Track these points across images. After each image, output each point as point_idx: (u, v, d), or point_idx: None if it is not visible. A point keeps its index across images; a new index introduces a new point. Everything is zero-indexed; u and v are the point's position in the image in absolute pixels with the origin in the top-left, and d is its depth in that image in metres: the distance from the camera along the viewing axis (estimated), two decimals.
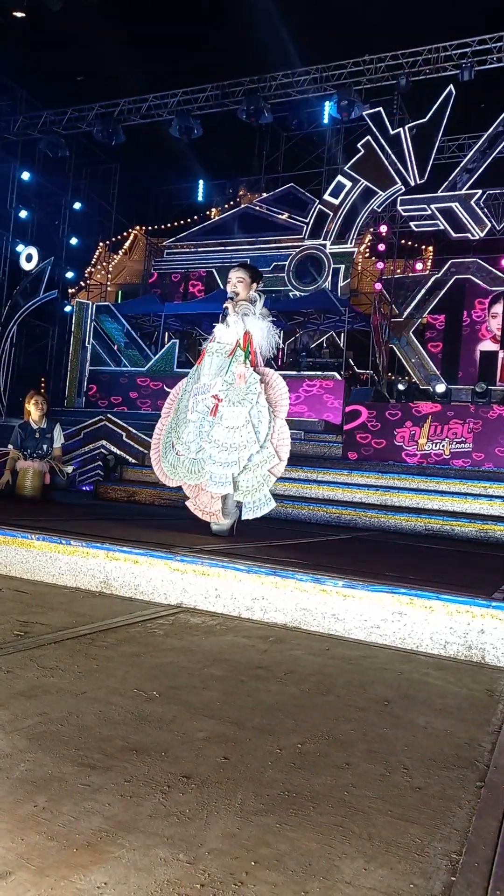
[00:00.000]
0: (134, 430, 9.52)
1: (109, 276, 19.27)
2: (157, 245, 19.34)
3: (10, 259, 15.05)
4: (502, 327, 15.77)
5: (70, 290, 17.59)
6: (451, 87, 14.00)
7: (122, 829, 1.17)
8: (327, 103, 15.37)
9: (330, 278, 16.09)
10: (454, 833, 1.24)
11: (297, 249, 16.62)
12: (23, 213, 15.62)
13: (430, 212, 15.07)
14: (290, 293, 16.40)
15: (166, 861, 1.09)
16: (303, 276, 16.44)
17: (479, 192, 14.69)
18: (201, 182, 19.49)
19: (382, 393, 13.88)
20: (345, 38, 13.12)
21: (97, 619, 2.58)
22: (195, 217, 18.90)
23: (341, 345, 15.21)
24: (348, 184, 15.95)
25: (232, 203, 18.99)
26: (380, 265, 16.46)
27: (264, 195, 18.24)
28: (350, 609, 2.61)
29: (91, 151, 15.97)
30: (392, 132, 15.20)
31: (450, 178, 15.12)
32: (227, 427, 4.06)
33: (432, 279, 16.65)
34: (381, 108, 15.06)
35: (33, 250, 14.71)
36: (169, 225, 19.12)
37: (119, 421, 9.77)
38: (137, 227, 19.50)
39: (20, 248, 15.04)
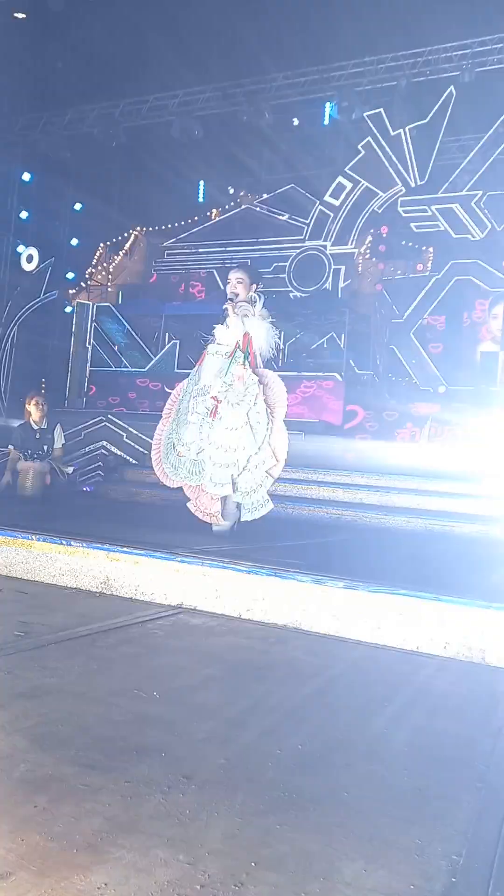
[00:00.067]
0: (134, 431, 9.51)
1: (110, 276, 19.27)
2: (157, 246, 19.35)
3: (10, 260, 15.03)
4: (503, 328, 15.77)
5: (70, 291, 17.57)
6: (452, 88, 13.99)
7: (123, 830, 1.17)
8: (328, 104, 15.36)
9: (330, 279, 16.10)
10: (454, 834, 1.24)
11: (298, 250, 16.62)
12: (23, 214, 15.61)
13: (430, 213, 15.07)
14: (291, 294, 16.40)
15: (166, 862, 1.09)
16: (303, 276, 16.44)
17: (480, 193, 14.69)
18: (202, 183, 19.50)
19: (382, 394, 13.88)
20: (345, 40, 13.11)
21: (97, 619, 2.58)
22: (195, 218, 18.89)
23: (341, 346, 15.20)
24: (349, 185, 15.95)
25: (232, 204, 18.99)
26: (380, 266, 16.46)
27: (265, 196, 18.24)
28: (350, 610, 2.61)
29: (92, 152, 15.96)
30: (393, 133, 15.20)
31: (451, 180, 15.11)
32: (227, 428, 4.06)
33: (433, 280, 16.64)
34: (381, 110, 15.06)
35: (34, 251, 14.70)
36: (169, 226, 19.12)
37: (119, 421, 9.76)
38: (138, 228, 19.50)
39: (21, 248, 15.04)
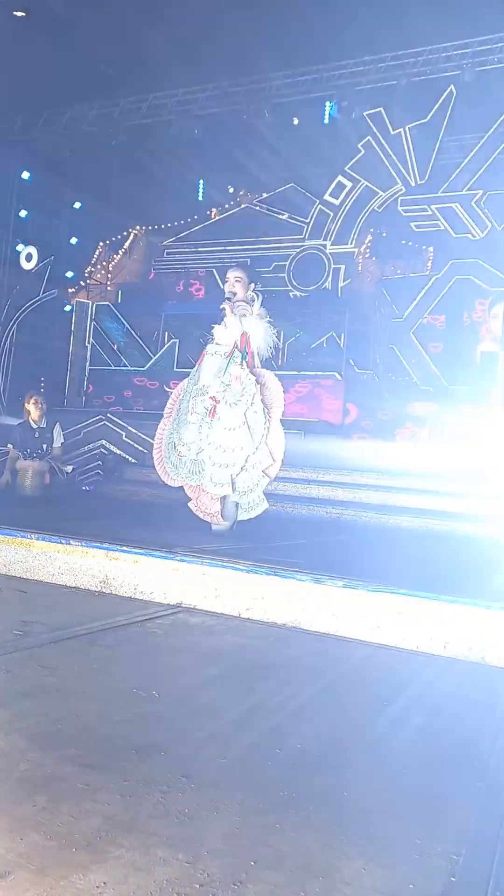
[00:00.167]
0: (133, 430, 9.50)
1: (109, 275, 19.26)
2: (157, 245, 19.33)
3: (9, 258, 15.02)
4: (503, 328, 15.77)
5: (70, 290, 17.54)
6: (453, 87, 13.98)
7: (122, 829, 1.17)
8: (328, 104, 15.34)
9: (330, 278, 16.09)
10: (454, 833, 1.24)
11: (298, 249, 16.62)
12: (22, 213, 15.59)
13: (430, 212, 15.06)
14: (290, 293, 16.40)
15: (166, 861, 1.09)
16: (303, 276, 16.43)
17: (481, 192, 14.68)
18: (201, 182, 19.47)
19: (382, 393, 13.88)
20: (345, 39, 13.08)
21: (97, 618, 2.58)
22: (195, 217, 18.88)
23: (341, 345, 15.19)
24: (349, 184, 15.94)
25: (232, 203, 18.98)
26: (380, 265, 16.44)
27: (264, 195, 18.22)
28: (350, 609, 2.61)
29: (91, 151, 15.93)
30: (393, 132, 15.19)
31: (451, 179, 15.10)
32: (225, 428, 4.08)
33: (433, 280, 16.63)
34: (381, 109, 15.04)
35: (33, 250, 14.69)
36: (169, 224, 19.11)
37: (119, 420, 9.76)
38: (137, 227, 19.47)
39: (20, 247, 15.03)
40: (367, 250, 17.50)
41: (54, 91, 14.67)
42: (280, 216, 17.51)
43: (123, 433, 9.47)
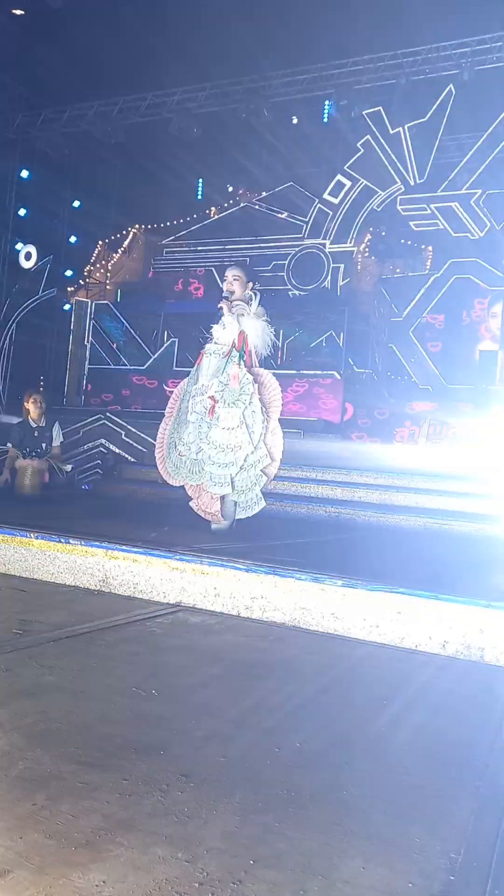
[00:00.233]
0: (133, 429, 9.50)
1: (108, 274, 19.25)
2: (156, 244, 19.31)
3: (8, 257, 15.01)
4: (502, 327, 15.77)
5: (69, 289, 17.53)
6: (451, 86, 13.98)
7: (121, 828, 1.17)
8: (327, 102, 15.33)
9: (329, 277, 16.09)
10: (453, 832, 1.24)
11: (297, 248, 16.61)
12: (21, 212, 15.57)
13: (429, 211, 15.06)
14: (290, 292, 16.39)
15: (165, 859, 1.09)
16: (302, 275, 16.43)
17: (480, 191, 14.68)
18: (200, 181, 19.45)
19: (382, 392, 13.88)
20: (345, 37, 13.08)
21: (96, 617, 2.58)
22: (194, 216, 18.87)
23: (340, 344, 15.19)
24: (348, 183, 15.94)
25: (231, 202, 18.97)
26: (379, 264, 16.44)
27: (263, 194, 18.21)
28: (349, 608, 2.61)
29: (90, 150, 15.92)
30: (392, 131, 15.19)
31: (450, 178, 15.10)
32: (224, 428, 4.10)
33: (432, 279, 16.62)
34: (380, 108, 15.04)
35: (32, 248, 14.69)
36: (168, 223, 19.10)
37: (118, 419, 9.76)
38: (136, 226, 19.47)
39: (19, 246, 15.02)
40: (366, 249, 17.50)
41: (53, 90, 14.66)
42: (279, 215, 17.52)
43: (123, 432, 9.48)
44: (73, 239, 17.44)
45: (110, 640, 2.26)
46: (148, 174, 16.71)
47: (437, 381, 14.71)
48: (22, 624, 2.39)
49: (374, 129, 15.05)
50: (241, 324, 4.21)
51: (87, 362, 14.50)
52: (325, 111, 16.34)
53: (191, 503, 4.41)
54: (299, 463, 8.38)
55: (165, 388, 12.50)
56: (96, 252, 19.04)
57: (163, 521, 5.16)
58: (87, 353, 14.54)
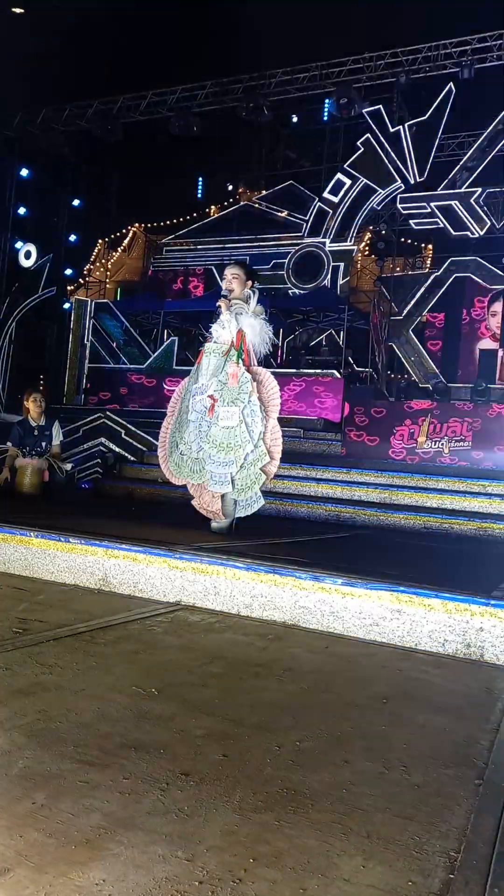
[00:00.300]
0: (133, 428, 9.51)
1: (108, 273, 19.23)
2: (155, 242, 19.29)
3: (8, 256, 14.99)
4: (502, 326, 15.76)
5: (69, 287, 17.52)
6: (451, 84, 13.96)
7: (121, 827, 1.17)
8: (327, 101, 15.32)
9: (329, 276, 16.06)
10: (452, 830, 1.25)
11: (297, 247, 16.58)
12: (21, 210, 15.55)
13: (429, 210, 15.03)
14: (290, 291, 16.37)
15: (165, 858, 1.09)
16: (302, 273, 16.40)
17: (479, 190, 14.65)
18: (200, 179, 19.43)
19: (381, 391, 13.87)
20: (344, 36, 13.07)
21: (96, 616, 2.58)
22: (194, 214, 18.85)
23: (340, 343, 15.18)
24: (348, 181, 15.91)
25: (231, 200, 18.94)
26: (379, 263, 16.44)
27: (263, 192, 18.20)
28: (349, 607, 2.61)
29: (90, 148, 15.90)
30: (392, 130, 15.16)
31: (450, 176, 15.07)
32: (223, 427, 4.11)
33: (432, 277, 16.61)
34: (380, 106, 15.01)
35: (32, 247, 14.68)
36: (168, 222, 19.07)
37: (118, 418, 9.76)
38: (136, 224, 19.44)
39: (19, 244, 15.00)
40: (366, 248, 17.49)
41: (53, 88, 14.64)
42: (279, 214, 17.51)
43: (123, 431, 9.48)
44: (72, 237, 17.42)
45: (110, 639, 2.26)
46: (148, 172, 16.70)
47: (436, 380, 14.68)
48: (22, 622, 2.39)
49: (374, 128, 15.04)
50: (240, 322, 4.22)
51: (86, 361, 14.49)
52: (325, 109, 16.33)
53: (193, 502, 4.43)
54: (298, 461, 8.39)
55: (165, 386, 12.51)
56: (96, 251, 19.03)
57: (162, 519, 5.16)
58: (87, 351, 14.53)
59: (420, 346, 16.48)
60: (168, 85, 14.31)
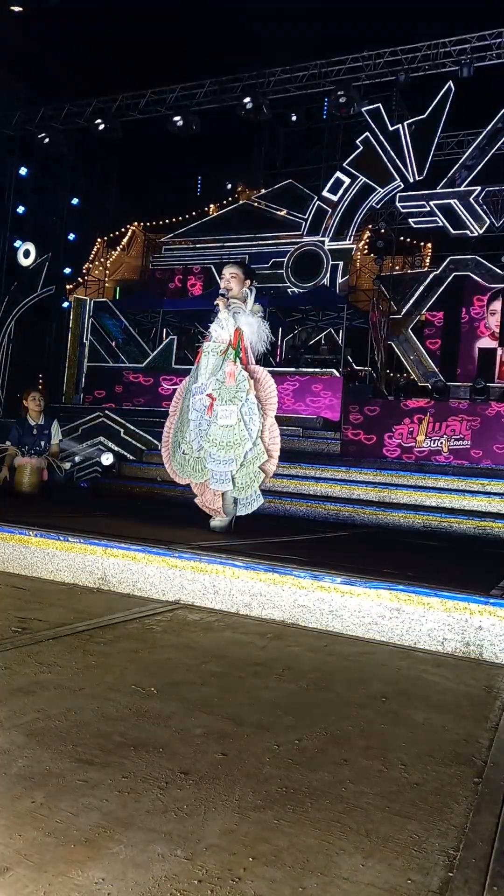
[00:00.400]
0: (132, 427, 9.51)
1: (107, 271, 19.20)
2: (154, 241, 19.27)
3: (7, 255, 14.98)
4: (501, 324, 15.76)
5: (68, 286, 17.51)
6: (451, 83, 13.96)
7: (120, 825, 1.17)
8: (326, 99, 15.31)
9: (328, 275, 16.06)
10: (452, 829, 1.25)
11: (296, 246, 16.57)
12: (20, 209, 15.54)
13: (428, 208, 15.03)
14: (289, 290, 16.37)
15: (164, 857, 1.09)
16: (301, 272, 16.40)
17: (478, 188, 14.65)
18: (200, 178, 19.42)
19: (381, 390, 13.87)
20: (343, 34, 13.06)
21: (95, 615, 2.58)
22: (193, 213, 18.83)
23: (340, 341, 15.17)
24: (347, 180, 15.90)
25: (230, 199, 18.92)
26: (378, 262, 16.43)
27: (263, 191, 18.18)
28: (348, 605, 2.61)
29: (89, 147, 15.89)
30: (391, 128, 15.15)
31: (449, 175, 15.07)
32: (223, 425, 4.13)
33: (431, 276, 16.60)
34: (380, 105, 15.01)
35: (31, 246, 14.67)
36: (167, 221, 19.05)
37: (117, 417, 9.76)
38: (135, 223, 19.41)
39: (18, 243, 14.99)
40: (366, 246, 17.48)
41: (52, 87, 14.63)
42: (278, 212, 17.51)
43: (122, 430, 9.48)
44: (71, 236, 17.42)
45: (109, 638, 2.26)
46: (147, 171, 16.68)
47: (435, 378, 14.69)
48: (21, 622, 2.39)
49: (374, 126, 15.04)
50: (237, 321, 4.23)
51: (85, 360, 14.49)
52: (324, 108, 16.32)
53: (196, 500, 4.46)
54: (297, 460, 8.39)
55: (165, 385, 12.50)
56: (95, 249, 19.02)
57: (162, 518, 5.16)
58: (87, 350, 14.53)
59: (419, 345, 16.48)
60: (167, 83, 14.29)
